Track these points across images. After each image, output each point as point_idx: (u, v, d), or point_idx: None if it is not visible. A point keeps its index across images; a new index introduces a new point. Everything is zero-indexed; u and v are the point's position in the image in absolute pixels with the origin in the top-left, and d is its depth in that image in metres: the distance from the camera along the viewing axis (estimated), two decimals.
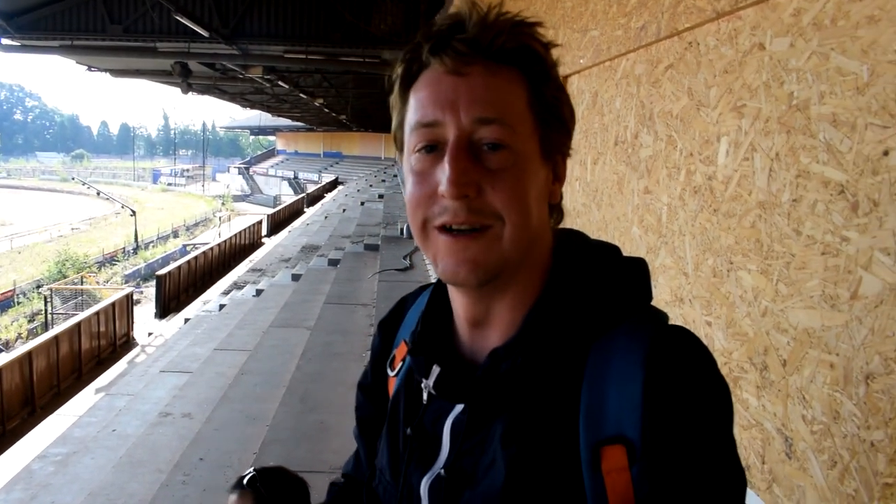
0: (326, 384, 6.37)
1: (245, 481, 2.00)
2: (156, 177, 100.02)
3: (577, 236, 0.95)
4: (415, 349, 0.96)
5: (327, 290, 10.54)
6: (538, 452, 0.82)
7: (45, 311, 22.61)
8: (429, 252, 0.87)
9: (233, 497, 2.00)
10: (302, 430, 5.27)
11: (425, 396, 0.94)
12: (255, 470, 2.03)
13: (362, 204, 24.38)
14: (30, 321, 26.54)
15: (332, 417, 5.59)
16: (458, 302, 0.93)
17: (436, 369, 0.92)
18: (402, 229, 14.92)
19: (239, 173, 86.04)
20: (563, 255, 0.91)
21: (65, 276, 29.70)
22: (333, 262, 13.20)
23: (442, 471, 0.90)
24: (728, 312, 1.83)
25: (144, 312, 20.50)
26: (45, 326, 20.54)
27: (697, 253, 2.04)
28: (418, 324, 0.98)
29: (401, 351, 1.04)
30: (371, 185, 33.06)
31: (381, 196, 25.92)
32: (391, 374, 1.05)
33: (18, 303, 29.68)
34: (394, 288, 9.98)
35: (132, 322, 17.83)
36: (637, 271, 0.91)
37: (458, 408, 0.90)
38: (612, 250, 0.93)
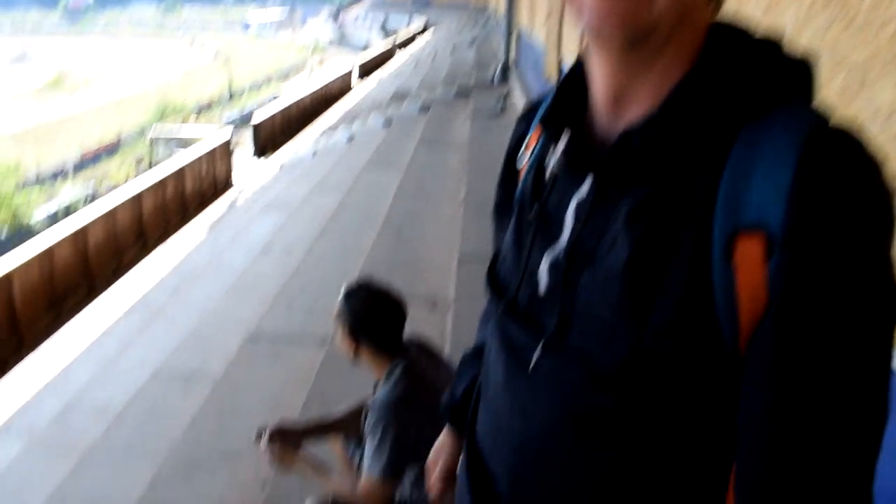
0: (421, 221, 6.49)
1: (343, 291, 2.08)
2: (246, 26, 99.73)
3: (737, 25, 0.85)
4: (546, 118, 0.91)
5: (419, 135, 10.52)
6: (666, 235, 0.77)
7: (150, 154, 23.53)
8: (573, 5, 0.80)
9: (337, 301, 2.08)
10: (397, 263, 5.42)
11: (549, 173, 0.91)
12: (350, 284, 2.11)
13: (453, 50, 23.82)
14: (136, 165, 27.77)
15: (427, 252, 5.73)
16: (598, 73, 0.86)
17: (566, 136, 0.88)
18: (492, 76, 14.57)
19: (328, 20, 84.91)
20: (718, 37, 0.83)
21: (165, 121, 30.64)
22: (425, 108, 13.09)
23: (562, 251, 0.87)
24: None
25: (243, 157, 21.07)
26: (150, 163, 21.46)
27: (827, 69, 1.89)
28: (552, 97, 0.93)
29: (534, 136, 1.00)
30: (460, 32, 32.10)
31: (471, 42, 25.21)
32: (521, 163, 1.01)
33: (124, 148, 30.97)
34: (486, 131, 9.87)
35: (232, 164, 18.41)
36: (802, 65, 0.81)
37: (585, 188, 0.86)
38: (775, 41, 0.82)
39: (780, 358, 0.72)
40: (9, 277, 9.75)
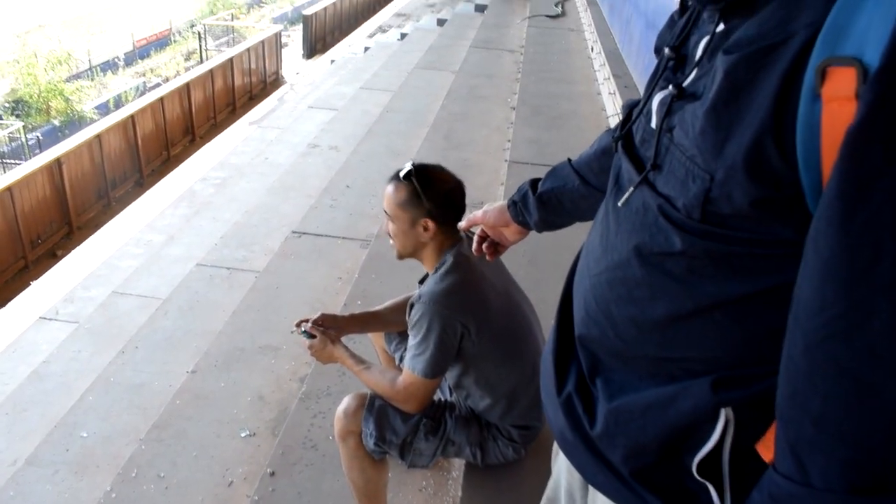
0: (471, 124, 6.28)
1: (402, 174, 1.91)
2: None
3: None
4: None
5: (473, 36, 10.15)
6: (757, 65, 0.73)
7: (200, 47, 23.34)
8: None
9: (389, 188, 1.92)
10: (445, 166, 5.25)
11: (690, 12, 0.94)
12: (413, 164, 1.94)
13: None
14: (186, 59, 27.66)
15: (476, 156, 5.55)
16: None
17: None
18: None
19: None
20: None
21: (215, 15, 30.28)
22: (480, 8, 12.61)
23: (675, 85, 0.87)
24: None
25: (291, 54, 20.81)
26: (201, 62, 21.31)
27: None
28: None
29: None
30: None
31: None
32: (678, 18, 1.01)
33: (175, 41, 30.79)
34: (544, 34, 9.49)
35: (281, 61, 18.18)
36: None
37: (710, 33, 0.86)
38: None
39: (832, 217, 0.65)
40: (60, 164, 9.84)
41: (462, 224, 1.67)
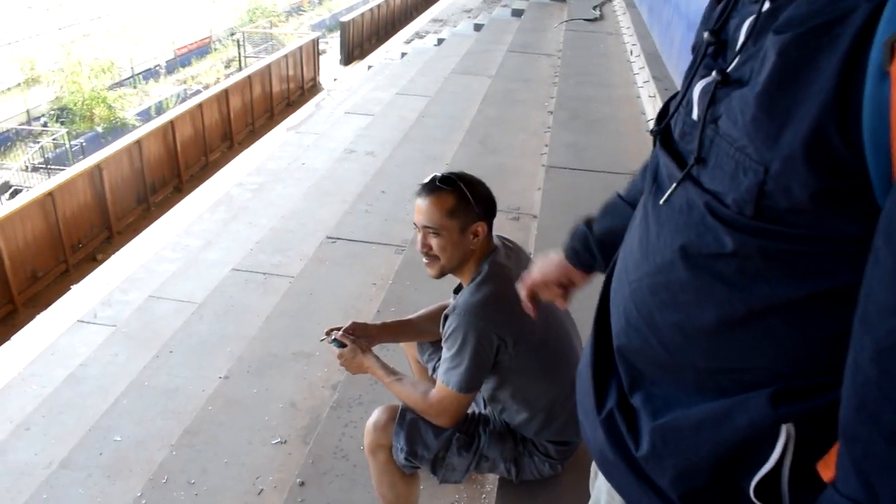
0: (507, 129, 6.21)
1: (441, 182, 1.83)
2: None
3: None
4: None
5: (510, 40, 10.07)
6: (815, 45, 0.67)
7: (239, 55, 23.61)
8: None
9: (428, 199, 1.81)
10: (481, 171, 5.12)
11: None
12: (441, 174, 1.87)
13: None
14: (226, 66, 28.02)
15: (512, 161, 5.48)
16: None
17: None
18: None
19: None
20: None
21: (254, 23, 30.65)
22: (517, 13, 12.54)
23: (717, 73, 0.81)
24: None
25: (329, 60, 20.94)
26: (240, 69, 21.57)
27: None
28: None
29: None
30: None
31: None
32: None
33: (215, 49, 31.22)
34: (581, 38, 9.38)
35: (318, 67, 18.31)
36: None
37: (754, 14, 0.78)
38: None
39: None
40: (101, 169, 9.98)
41: (523, 293, 1.52)
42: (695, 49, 0.97)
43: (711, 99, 0.81)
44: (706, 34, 0.87)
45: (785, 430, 0.78)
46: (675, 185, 0.86)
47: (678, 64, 5.74)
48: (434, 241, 1.83)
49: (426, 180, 1.85)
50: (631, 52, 8.13)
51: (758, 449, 0.80)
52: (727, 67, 0.80)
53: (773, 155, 0.71)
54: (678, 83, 5.34)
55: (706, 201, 0.80)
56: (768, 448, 0.79)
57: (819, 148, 0.67)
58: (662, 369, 0.91)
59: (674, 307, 0.87)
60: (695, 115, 0.85)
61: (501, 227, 4.19)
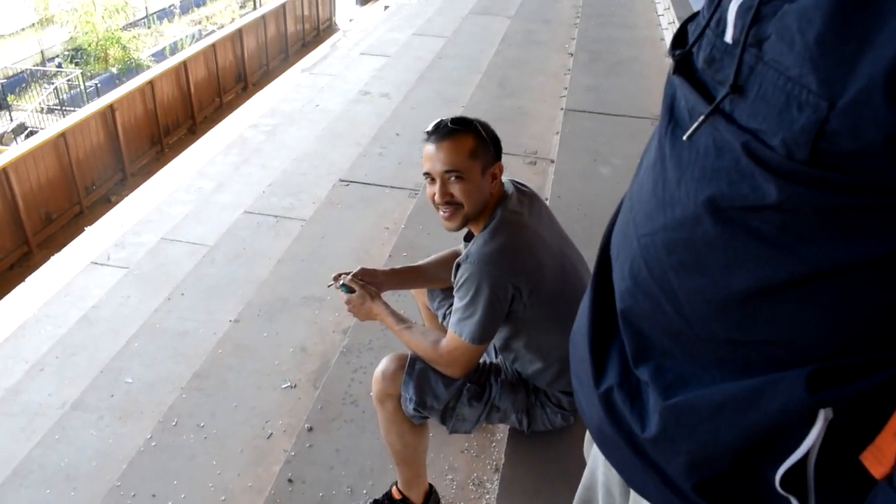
0: (526, 71, 6.05)
1: (454, 124, 1.74)
2: None
3: None
4: None
5: None
6: None
7: None
8: None
9: (446, 143, 1.71)
10: (498, 114, 5.08)
11: None
12: (446, 119, 1.78)
13: None
14: (241, 7, 27.60)
15: (530, 104, 5.34)
16: None
17: None
18: None
19: None
20: None
21: None
22: None
23: None
24: None
25: (345, 1, 20.56)
26: (255, 7, 21.23)
27: None
28: None
29: None
30: None
31: None
32: None
33: None
34: None
35: (334, 7, 17.97)
36: None
37: None
38: None
39: None
40: (114, 110, 9.88)
41: None
42: None
43: (755, 15, 0.66)
44: None
45: (822, 416, 0.67)
46: (701, 119, 0.71)
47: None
48: (457, 187, 1.73)
49: (433, 125, 1.75)
50: None
51: (788, 434, 0.70)
52: None
53: (843, 86, 0.58)
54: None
55: (744, 141, 0.66)
56: (800, 433, 0.69)
57: None
58: (676, 339, 0.80)
59: (696, 269, 0.74)
60: (728, 37, 0.71)
61: (518, 170, 4.11)
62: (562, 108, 4.96)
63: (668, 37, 6.15)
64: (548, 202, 3.56)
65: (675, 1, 6.36)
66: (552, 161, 4.25)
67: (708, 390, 0.76)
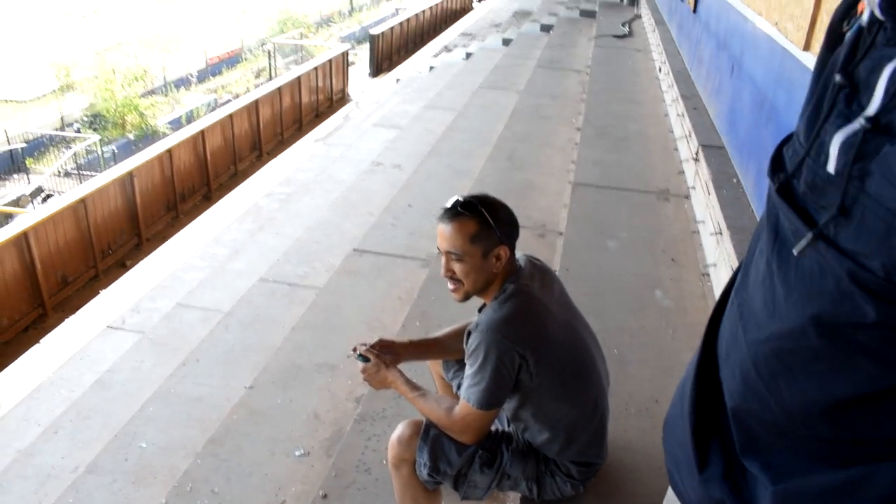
0: (535, 145, 6.22)
1: (462, 207, 1.84)
2: None
3: None
4: None
5: (538, 56, 10.11)
6: None
7: (269, 65, 23.85)
8: None
9: (450, 225, 1.82)
10: (508, 187, 5.22)
11: (866, 28, 0.79)
12: (463, 197, 1.88)
13: None
14: (256, 76, 28.31)
15: (540, 177, 5.49)
16: None
17: None
18: None
19: None
20: None
21: (285, 33, 30.97)
22: (546, 28, 12.59)
23: (863, 120, 0.73)
24: None
25: (358, 72, 21.09)
26: (269, 80, 21.78)
27: None
28: None
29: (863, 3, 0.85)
30: None
31: None
32: (846, 26, 0.87)
33: (245, 59, 31.56)
34: (611, 55, 9.39)
35: (347, 79, 18.44)
36: None
37: None
38: None
39: None
40: (132, 177, 10.12)
41: None
42: (815, 94, 0.90)
43: (858, 153, 0.73)
44: (838, 77, 0.79)
45: None
46: (806, 242, 0.78)
47: (707, 83, 5.73)
48: (457, 267, 1.84)
49: (448, 204, 1.85)
50: (660, 69, 8.11)
51: None
52: (876, 113, 0.73)
53: None
54: (706, 101, 5.29)
55: (849, 269, 0.73)
56: None
57: None
58: (781, 436, 0.87)
59: (803, 375, 0.81)
60: (831, 168, 0.77)
61: (527, 243, 4.21)
62: (570, 182, 5.10)
63: (672, 113, 6.34)
64: (557, 274, 3.65)
65: (678, 79, 6.56)
66: (560, 233, 4.36)
67: (814, 477, 0.82)
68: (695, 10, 6.78)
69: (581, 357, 1.95)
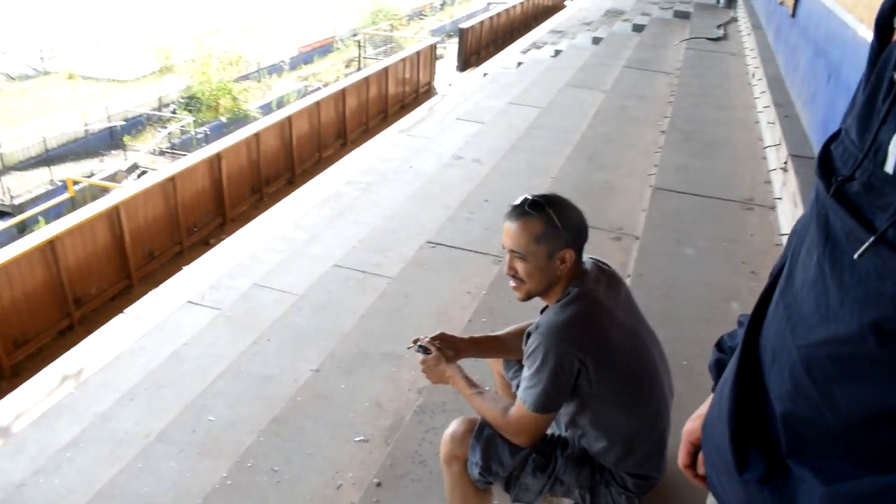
0: (617, 146, 6.12)
1: (530, 206, 1.82)
2: None
3: None
4: None
5: (628, 56, 9.93)
6: None
7: (359, 55, 24.19)
8: None
9: (516, 223, 1.80)
10: (587, 187, 5.15)
11: None
12: (533, 196, 1.85)
13: None
14: (346, 66, 28.77)
15: (620, 179, 5.39)
16: None
17: None
18: None
19: None
20: None
21: (377, 25, 31.35)
22: (638, 28, 12.34)
23: None
24: None
25: (446, 66, 21.18)
26: (359, 66, 22.09)
27: None
28: None
29: None
30: None
31: None
32: None
33: (336, 48, 32.12)
34: (703, 58, 9.14)
35: (434, 72, 18.54)
36: None
37: None
38: None
39: None
40: (220, 159, 10.42)
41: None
42: (867, 90, 0.86)
43: None
44: (894, 74, 0.76)
45: None
46: (864, 246, 0.75)
47: (802, 90, 5.51)
48: (520, 266, 1.82)
49: (517, 202, 1.83)
50: (753, 74, 7.86)
51: None
52: None
53: None
54: (800, 110, 5.09)
55: None
56: None
57: None
58: (833, 442, 0.84)
59: (860, 382, 0.78)
60: (890, 168, 0.74)
61: (602, 246, 4.16)
62: (650, 186, 4.99)
63: (763, 120, 6.12)
64: (629, 279, 3.58)
65: (771, 85, 6.34)
66: (637, 238, 4.27)
67: (866, 480, 0.80)
68: (794, 15, 6.53)
69: (644, 367, 1.90)
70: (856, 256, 0.75)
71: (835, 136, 0.88)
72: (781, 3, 7.55)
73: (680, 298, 3.45)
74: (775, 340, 0.92)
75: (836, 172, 0.83)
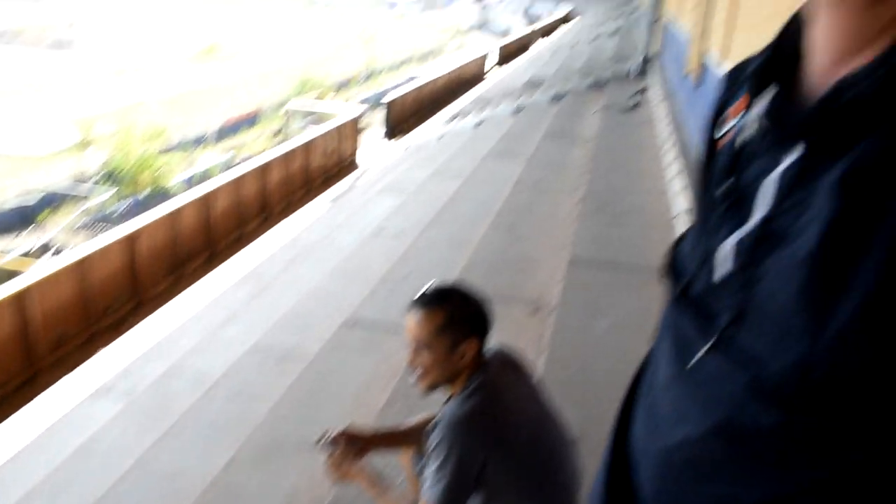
0: (535, 217, 6.22)
1: (431, 299, 1.80)
2: (392, 4, 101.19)
3: None
4: (754, 70, 0.79)
5: (547, 126, 10.22)
6: (873, 205, 0.60)
7: (283, 129, 24.27)
8: None
9: (418, 315, 1.80)
10: (504, 259, 5.18)
11: (748, 136, 0.78)
12: (437, 287, 1.84)
13: (593, 39, 23.22)
14: (273, 136, 28.80)
15: (538, 250, 5.45)
16: (823, 25, 0.72)
17: (772, 89, 0.76)
18: (630, 69, 14.03)
19: (474, 2, 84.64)
20: None
21: (302, 98, 31.58)
22: (556, 98, 12.75)
23: (751, 230, 0.73)
24: None
25: (373, 135, 21.37)
26: (283, 142, 22.10)
27: None
28: (770, 49, 0.80)
29: (741, 104, 0.83)
30: (604, 22, 31.27)
31: (613, 32, 24.47)
32: (720, 133, 0.86)
33: (262, 120, 32.17)
34: (616, 126, 9.47)
35: (358, 144, 18.65)
36: None
37: (786, 163, 0.70)
38: None
39: None
40: (136, 237, 10.15)
41: None
42: (702, 201, 0.89)
43: (747, 260, 0.73)
44: (726, 185, 0.79)
45: None
46: (705, 348, 0.76)
47: None
48: (422, 358, 1.79)
49: (420, 292, 1.81)
50: (665, 142, 8.14)
51: None
52: (762, 221, 0.72)
53: (822, 323, 0.63)
54: None
55: (750, 374, 0.71)
56: None
57: (877, 317, 0.60)
58: None
59: (715, 481, 0.79)
60: (722, 274, 0.76)
61: (517, 320, 4.14)
62: (567, 257, 5.04)
63: (676, 187, 6.31)
64: (545, 355, 3.57)
65: (683, 151, 6.57)
66: (553, 311, 4.29)
67: None
68: (697, 87, 6.82)
69: (549, 456, 1.87)
70: (693, 361, 0.77)
71: (681, 239, 0.92)
72: (687, 76, 7.89)
73: (595, 372, 3.45)
74: (642, 438, 0.92)
75: (680, 276, 0.85)
